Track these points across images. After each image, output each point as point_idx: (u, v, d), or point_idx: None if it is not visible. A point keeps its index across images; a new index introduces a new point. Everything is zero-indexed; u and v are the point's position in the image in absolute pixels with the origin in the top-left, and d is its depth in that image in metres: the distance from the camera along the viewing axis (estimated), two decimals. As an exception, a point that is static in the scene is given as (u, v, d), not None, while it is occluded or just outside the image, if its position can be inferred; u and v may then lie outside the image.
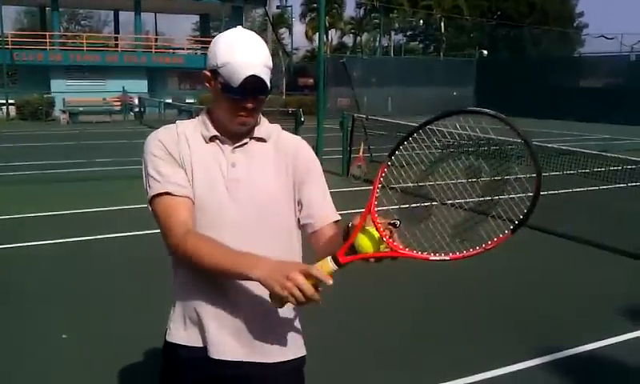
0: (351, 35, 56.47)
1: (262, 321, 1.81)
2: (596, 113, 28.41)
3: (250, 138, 1.87)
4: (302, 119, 13.63)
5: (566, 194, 9.77)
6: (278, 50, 43.59)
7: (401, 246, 1.58)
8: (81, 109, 30.08)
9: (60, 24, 40.77)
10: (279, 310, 1.73)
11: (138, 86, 32.55)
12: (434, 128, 1.70)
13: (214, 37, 1.95)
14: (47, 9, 37.61)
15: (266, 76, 1.76)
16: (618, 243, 6.95)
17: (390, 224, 1.56)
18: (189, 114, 22.00)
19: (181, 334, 1.89)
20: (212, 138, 1.85)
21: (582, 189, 9.44)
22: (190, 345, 1.87)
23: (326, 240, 1.84)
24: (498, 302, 5.34)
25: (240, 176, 1.82)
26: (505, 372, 4.06)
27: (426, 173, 1.89)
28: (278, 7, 49.51)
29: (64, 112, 29.34)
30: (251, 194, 1.82)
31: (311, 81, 35.30)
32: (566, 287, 5.87)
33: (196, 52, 38.55)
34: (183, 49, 42.18)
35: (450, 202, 1.83)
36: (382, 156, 11.24)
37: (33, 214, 8.57)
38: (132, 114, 30.76)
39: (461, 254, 1.61)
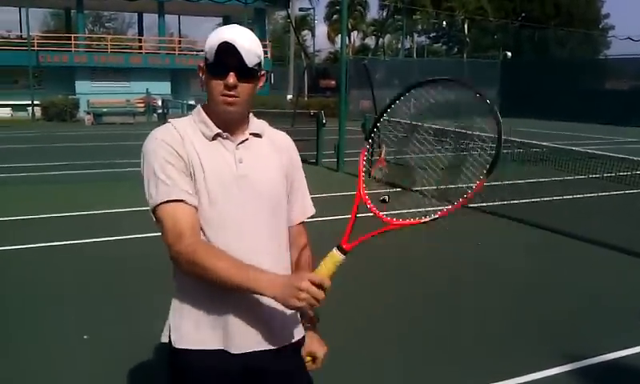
0: (373, 37, 56.43)
1: (274, 307, 1.77)
2: (622, 115, 27.94)
3: (250, 134, 1.90)
4: (324, 121, 13.61)
5: (590, 198, 9.61)
6: (300, 52, 43.67)
7: (395, 220, 1.75)
8: (105, 110, 30.39)
9: (85, 26, 41.33)
10: None
11: (161, 88, 32.90)
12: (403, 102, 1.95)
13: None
14: (72, 11, 38.17)
15: (250, 57, 1.76)
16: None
17: (380, 201, 1.65)
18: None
19: (193, 337, 1.84)
20: (214, 137, 1.85)
21: (607, 193, 9.27)
22: (204, 348, 1.83)
23: (291, 242, 2.00)
24: (520, 306, 5.25)
25: (248, 172, 1.85)
26: (527, 380, 3.97)
27: (403, 143, 2.09)
28: (300, 10, 49.69)
29: (88, 113, 29.69)
30: (260, 188, 1.86)
31: (333, 83, 35.25)
32: (592, 292, 5.75)
33: (219, 54, 38.75)
34: (206, 51, 42.47)
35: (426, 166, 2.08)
36: (400, 159, 11.17)
37: (57, 214, 8.65)
38: (155, 115, 30.97)
39: (447, 210, 1.79)
